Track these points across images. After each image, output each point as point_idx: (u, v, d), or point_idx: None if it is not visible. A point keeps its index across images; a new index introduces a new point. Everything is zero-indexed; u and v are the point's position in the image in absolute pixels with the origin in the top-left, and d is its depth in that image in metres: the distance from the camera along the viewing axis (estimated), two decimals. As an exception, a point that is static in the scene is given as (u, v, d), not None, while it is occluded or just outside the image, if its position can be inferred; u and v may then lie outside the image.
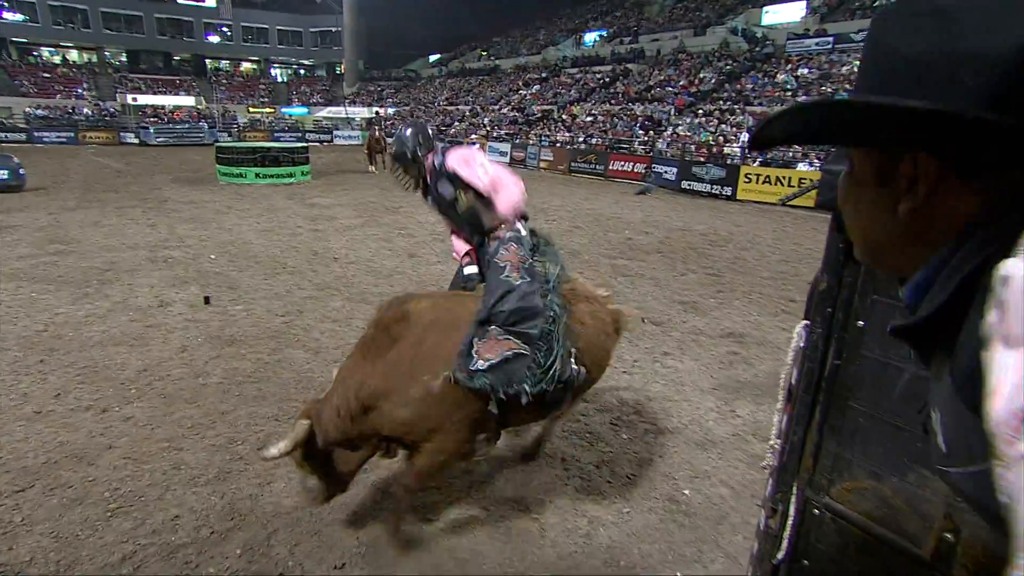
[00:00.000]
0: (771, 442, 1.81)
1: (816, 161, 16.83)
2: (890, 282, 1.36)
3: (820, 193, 1.51)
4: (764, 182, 16.98)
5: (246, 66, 55.72)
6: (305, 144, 21.75)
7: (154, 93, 45.70)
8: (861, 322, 1.51)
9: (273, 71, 56.63)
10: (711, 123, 22.21)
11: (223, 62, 54.72)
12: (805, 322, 1.72)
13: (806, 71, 22.92)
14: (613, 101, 29.53)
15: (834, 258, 1.54)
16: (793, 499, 1.62)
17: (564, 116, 30.53)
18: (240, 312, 6.24)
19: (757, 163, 18.12)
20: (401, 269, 8.09)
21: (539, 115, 32.57)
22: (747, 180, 17.39)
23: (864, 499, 1.37)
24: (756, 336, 6.00)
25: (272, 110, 48.70)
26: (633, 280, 7.92)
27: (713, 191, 18.14)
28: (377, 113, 45.42)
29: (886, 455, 1.32)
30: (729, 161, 19.00)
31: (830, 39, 23.91)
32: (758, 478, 3.48)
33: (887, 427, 1.33)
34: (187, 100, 46.10)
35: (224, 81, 51.57)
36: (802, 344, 1.70)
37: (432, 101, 45.35)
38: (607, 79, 32.99)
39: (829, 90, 20.54)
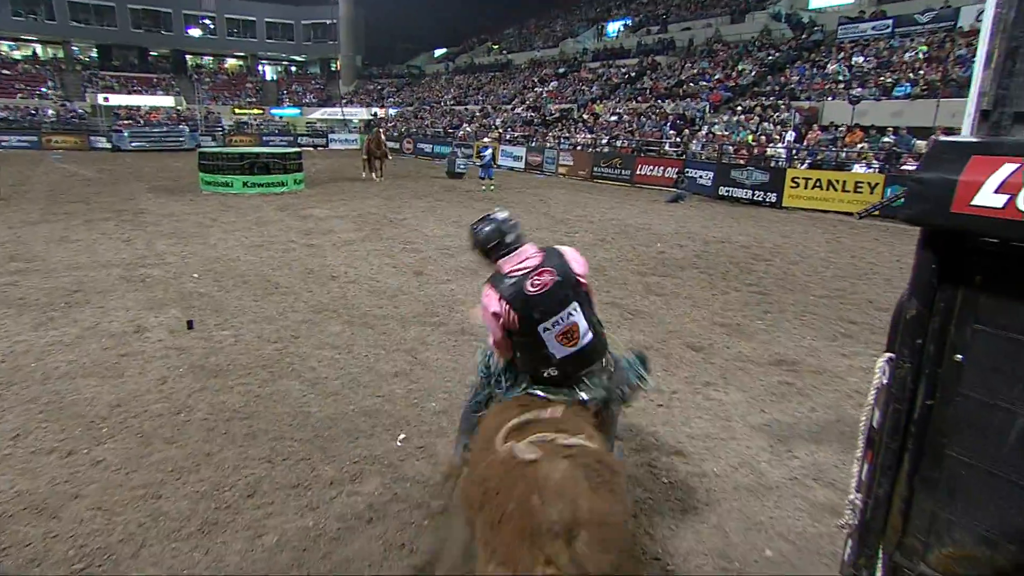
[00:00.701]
0: (850, 496, 1.74)
1: (875, 163, 16.70)
2: (997, 309, 1.30)
3: (908, 205, 1.44)
4: (814, 187, 16.84)
5: (231, 62, 56.69)
6: (298, 149, 21.98)
7: (128, 93, 46.50)
8: (959, 356, 1.44)
9: (261, 68, 57.56)
10: (751, 121, 22.15)
11: (205, 58, 55.73)
12: (889, 355, 1.66)
13: (861, 59, 22.78)
14: (640, 98, 29.62)
15: (925, 280, 1.48)
16: (880, 565, 1.55)
17: (585, 115, 30.68)
18: (227, 338, 6.24)
19: (806, 165, 17.98)
20: (407, 288, 8.08)
21: (557, 115, 32.78)
22: (794, 185, 17.29)
23: (974, 569, 1.29)
24: (811, 363, 5.90)
25: (260, 111, 49.46)
26: (668, 300, 7.85)
27: (755, 198, 18.08)
28: (376, 114, 45.92)
29: (1001, 517, 1.24)
30: (773, 164, 18.92)
31: (889, 22, 23.65)
32: (823, 531, 3.39)
33: (998, 482, 1.26)
34: (165, 100, 46.95)
35: (207, 79, 52.44)
36: (886, 381, 1.64)
37: (438, 100, 45.83)
38: (633, 74, 33.15)
39: (889, 80, 20.36)
